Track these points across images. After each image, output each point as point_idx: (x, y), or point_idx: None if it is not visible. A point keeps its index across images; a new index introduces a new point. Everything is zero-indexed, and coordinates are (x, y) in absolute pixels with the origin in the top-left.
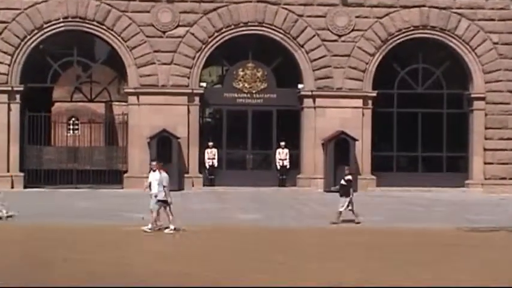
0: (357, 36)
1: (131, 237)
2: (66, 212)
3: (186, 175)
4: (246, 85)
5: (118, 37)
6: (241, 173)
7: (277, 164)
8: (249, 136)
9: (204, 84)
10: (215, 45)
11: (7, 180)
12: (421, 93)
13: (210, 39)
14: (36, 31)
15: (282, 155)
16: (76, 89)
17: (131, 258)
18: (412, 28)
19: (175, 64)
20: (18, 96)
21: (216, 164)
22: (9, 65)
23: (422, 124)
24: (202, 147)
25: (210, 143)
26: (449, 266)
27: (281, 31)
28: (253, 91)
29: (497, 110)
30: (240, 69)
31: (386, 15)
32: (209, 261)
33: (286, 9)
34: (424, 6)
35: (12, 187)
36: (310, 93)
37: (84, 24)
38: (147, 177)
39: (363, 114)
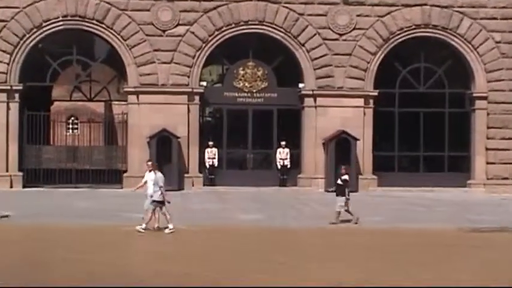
0: (358, 35)
1: (131, 238)
2: (65, 211)
3: (186, 175)
4: (246, 84)
5: (118, 36)
6: (242, 173)
7: (278, 163)
8: (249, 135)
9: (204, 83)
10: (215, 44)
11: (6, 180)
12: (423, 93)
13: (210, 38)
14: (35, 30)
15: (282, 155)
16: (75, 88)
17: (131, 259)
18: (413, 27)
19: (175, 63)
20: (17, 95)
21: (216, 164)
22: (8, 64)
23: (424, 123)
24: (203, 147)
25: (210, 143)
26: (450, 267)
27: (282, 30)
28: (254, 90)
29: (500, 110)
30: (241, 68)
31: (388, 13)
32: (209, 261)
33: (286, 7)
34: (425, 4)
35: (11, 187)
36: (311, 92)
37: (83, 23)
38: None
39: (364, 114)
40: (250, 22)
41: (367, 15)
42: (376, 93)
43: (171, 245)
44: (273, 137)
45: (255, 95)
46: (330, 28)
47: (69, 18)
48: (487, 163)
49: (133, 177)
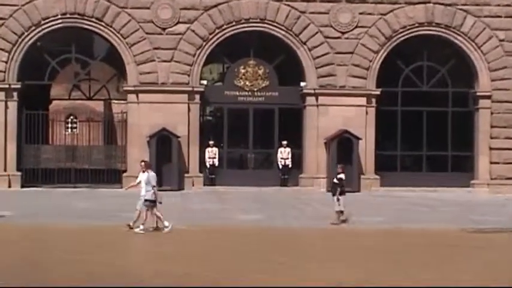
0: (361, 33)
1: (130, 238)
2: (64, 212)
3: (186, 175)
4: (247, 83)
5: (117, 34)
6: (243, 173)
7: (279, 163)
8: (250, 135)
9: (204, 82)
10: (216, 42)
11: (4, 180)
12: (426, 92)
13: (210, 36)
14: (33, 28)
15: (284, 154)
16: (74, 86)
17: (130, 259)
18: (416, 25)
19: (175, 61)
20: (15, 94)
21: (216, 163)
22: (6, 62)
23: (427, 123)
24: (203, 146)
25: (211, 142)
26: (452, 267)
27: (283, 28)
28: (255, 89)
29: (503, 109)
30: (242, 67)
31: (391, 11)
32: (209, 262)
33: (288, 5)
34: (429, 2)
35: (10, 186)
36: (312, 91)
37: (82, 21)
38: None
39: (367, 113)
40: (251, 20)
41: (369, 13)
42: (378, 92)
43: (171, 245)
44: (274, 136)
45: (256, 93)
46: (332, 26)
47: (68, 16)
48: (491, 163)
49: (133, 177)
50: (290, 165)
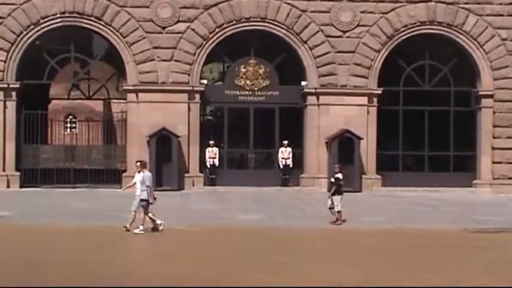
0: (362, 32)
1: (130, 238)
2: (63, 212)
3: (186, 174)
4: (247, 82)
5: (116, 33)
6: (243, 173)
7: (280, 163)
8: (251, 134)
9: (204, 81)
10: (216, 41)
11: (3, 180)
12: (428, 91)
13: (211, 35)
14: (32, 27)
15: (284, 154)
16: (73, 86)
17: (130, 259)
18: (418, 24)
19: (175, 61)
20: (14, 93)
21: (217, 163)
22: (5, 62)
23: (429, 122)
24: (203, 146)
25: (211, 142)
26: (453, 267)
27: (284, 27)
28: (255, 88)
29: (506, 108)
30: (242, 66)
31: (392, 10)
32: (209, 262)
33: (289, 4)
34: (430, 1)
35: (8, 186)
36: (313, 90)
37: (81, 20)
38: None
39: (368, 112)
40: (251, 19)
41: (371, 12)
42: (380, 92)
43: (171, 245)
44: (275, 136)
45: (256, 93)
46: (333, 25)
47: (67, 14)
48: (493, 162)
49: (132, 177)
50: (291, 165)
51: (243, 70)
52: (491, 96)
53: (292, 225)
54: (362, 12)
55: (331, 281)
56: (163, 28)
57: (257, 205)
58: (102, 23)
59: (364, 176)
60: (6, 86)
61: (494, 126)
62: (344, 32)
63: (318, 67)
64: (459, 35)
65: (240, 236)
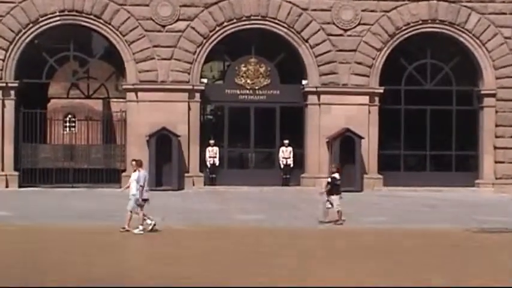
0: (363, 31)
1: (129, 238)
2: (62, 212)
3: (186, 174)
4: (248, 81)
5: (116, 31)
6: (244, 172)
7: (281, 162)
8: (251, 134)
9: (205, 80)
10: (216, 40)
11: (1, 179)
12: (430, 90)
13: (211, 34)
14: (31, 25)
15: (285, 154)
16: (72, 85)
17: (128, 260)
18: (420, 22)
19: (175, 59)
20: (12, 92)
21: (217, 163)
22: (3, 60)
23: (431, 121)
24: (203, 146)
25: (211, 141)
26: (453, 268)
27: (285, 25)
28: (256, 87)
29: (508, 107)
30: (242, 65)
31: (394, 8)
32: (209, 262)
33: (290, 2)
34: None
35: (7, 186)
36: (314, 89)
37: (81, 18)
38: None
39: (369, 112)
40: (252, 17)
41: (372, 10)
42: (381, 91)
43: (171, 245)
44: (276, 135)
45: (257, 92)
46: (334, 23)
47: (66, 13)
48: (496, 162)
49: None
50: (292, 165)
51: (244, 69)
52: (493, 95)
53: (293, 226)
54: (363, 10)
55: (332, 282)
56: (163, 26)
57: (257, 205)
58: (101, 21)
59: (365, 176)
60: (4, 85)
61: (497, 125)
62: (345, 30)
63: (319, 66)
64: (461, 33)
65: (240, 236)
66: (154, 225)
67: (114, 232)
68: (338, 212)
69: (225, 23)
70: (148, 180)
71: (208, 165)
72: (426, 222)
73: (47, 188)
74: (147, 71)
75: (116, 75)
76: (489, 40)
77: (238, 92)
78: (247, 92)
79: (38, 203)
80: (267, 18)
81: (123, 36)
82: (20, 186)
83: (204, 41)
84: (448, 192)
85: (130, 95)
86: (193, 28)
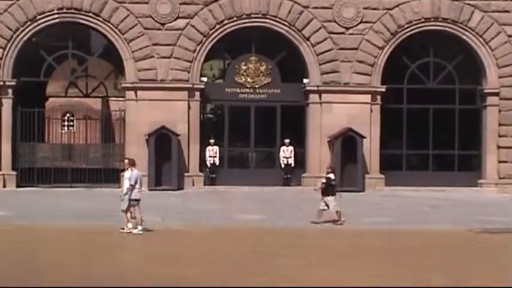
0: (365, 29)
1: (128, 239)
2: (60, 212)
3: (186, 174)
4: (248, 80)
5: (115, 29)
6: (244, 172)
7: (282, 162)
8: (252, 133)
9: (205, 79)
10: (217, 38)
11: None
12: (432, 89)
13: (211, 32)
14: (29, 23)
15: (286, 153)
16: (71, 83)
17: (128, 260)
18: (423, 20)
19: (174, 58)
20: (10, 91)
21: (217, 162)
22: (1, 59)
23: (433, 121)
24: (203, 145)
25: (211, 140)
26: (454, 268)
27: (286, 23)
28: (257, 86)
29: None
30: (243, 63)
31: (396, 6)
32: (209, 263)
33: (291, 0)
34: None
35: (5, 186)
36: (316, 88)
37: (79, 16)
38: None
39: (371, 110)
40: (253, 15)
41: (374, 8)
42: (383, 89)
43: (170, 245)
44: (277, 134)
45: (257, 90)
46: (335, 21)
47: (64, 11)
48: (499, 162)
49: None
50: (293, 164)
51: (244, 67)
52: (496, 94)
53: (293, 226)
54: (365, 8)
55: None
56: (163, 24)
57: (258, 205)
58: (100, 19)
59: (367, 176)
60: (2, 83)
61: (500, 124)
62: (347, 28)
63: (320, 64)
64: (464, 31)
65: (240, 236)
66: (132, 230)
67: (113, 232)
68: (336, 212)
69: (225, 21)
70: (148, 180)
71: (208, 165)
72: (428, 223)
73: (45, 187)
74: (147, 69)
75: (115, 74)
76: (492, 38)
77: (238, 90)
78: (248, 90)
79: (36, 203)
80: (268, 16)
81: (122, 34)
82: (17, 186)
83: (204, 39)
84: (450, 192)
85: (130, 94)
86: (193, 26)
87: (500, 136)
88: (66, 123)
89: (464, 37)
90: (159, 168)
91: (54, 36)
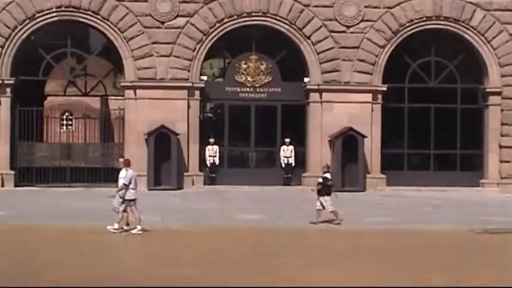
0: (366, 27)
1: (127, 239)
2: (59, 211)
3: (185, 173)
4: (249, 78)
5: (114, 28)
6: (244, 171)
7: (282, 161)
8: (252, 132)
9: (204, 78)
10: (217, 37)
11: None
12: (434, 88)
13: (211, 30)
14: (27, 21)
15: (286, 152)
16: (70, 82)
17: (127, 260)
18: (424, 19)
19: (174, 56)
20: (8, 89)
21: (217, 162)
22: None
23: (435, 120)
24: (203, 144)
25: (211, 140)
26: (454, 268)
27: (286, 22)
28: (257, 85)
29: None
30: (243, 62)
31: (397, 5)
32: (209, 263)
33: None
34: None
35: (3, 186)
36: (316, 87)
37: (78, 14)
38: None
39: (372, 110)
40: (253, 14)
41: (375, 7)
42: (384, 88)
43: (170, 245)
44: (277, 133)
45: (258, 89)
46: (336, 20)
47: (63, 9)
48: (501, 161)
49: None
50: (293, 164)
51: (244, 66)
52: (499, 93)
53: (293, 225)
54: (366, 6)
55: (332, 282)
56: (162, 23)
57: (258, 205)
58: (99, 17)
59: (368, 175)
60: (0, 82)
61: (502, 124)
62: (348, 27)
63: (321, 63)
64: (466, 30)
65: (240, 236)
66: (118, 230)
67: (113, 232)
68: (332, 212)
69: (225, 20)
70: (147, 180)
71: (208, 164)
72: (429, 223)
73: (44, 187)
74: (146, 68)
75: (114, 72)
76: (494, 37)
77: (238, 89)
78: (248, 89)
79: (35, 203)
80: (268, 15)
81: (122, 32)
82: (16, 186)
83: (204, 37)
84: (452, 192)
85: (129, 93)
86: (192, 24)
87: (502, 135)
88: (65, 122)
89: (466, 36)
90: (159, 168)
91: (53, 34)
